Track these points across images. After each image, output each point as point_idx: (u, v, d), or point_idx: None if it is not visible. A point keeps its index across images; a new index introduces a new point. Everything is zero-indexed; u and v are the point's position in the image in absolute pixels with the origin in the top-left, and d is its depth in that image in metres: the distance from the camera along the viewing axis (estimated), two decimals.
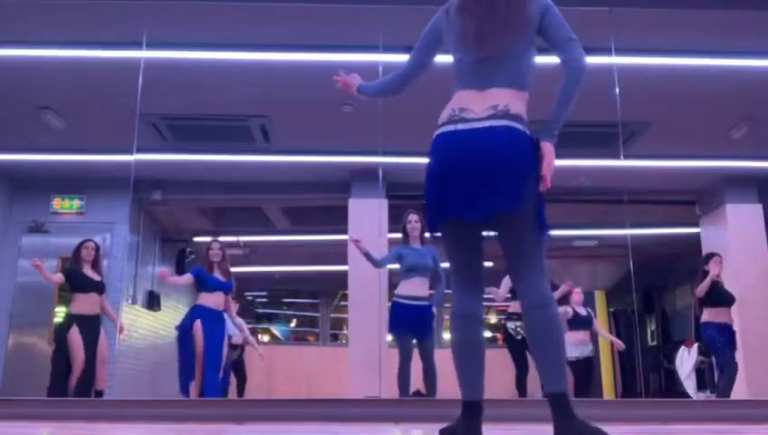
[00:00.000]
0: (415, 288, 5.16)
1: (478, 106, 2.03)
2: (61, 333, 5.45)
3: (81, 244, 5.61)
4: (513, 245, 2.02)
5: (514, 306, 5.80)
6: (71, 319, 5.45)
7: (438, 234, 2.09)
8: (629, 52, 5.41)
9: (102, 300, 5.62)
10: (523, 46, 2.09)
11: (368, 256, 5.28)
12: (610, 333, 10.74)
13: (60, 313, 7.36)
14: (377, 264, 5.38)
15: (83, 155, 7.17)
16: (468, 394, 2.00)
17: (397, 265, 5.36)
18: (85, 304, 5.46)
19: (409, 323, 5.12)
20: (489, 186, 1.94)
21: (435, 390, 5.10)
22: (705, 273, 5.86)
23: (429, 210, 2.07)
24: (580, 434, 1.84)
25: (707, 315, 5.88)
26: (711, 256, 6.05)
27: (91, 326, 5.43)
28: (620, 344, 7.33)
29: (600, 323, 5.75)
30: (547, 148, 2.02)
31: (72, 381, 5.29)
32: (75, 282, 5.51)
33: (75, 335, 5.34)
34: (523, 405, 4.43)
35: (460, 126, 2.02)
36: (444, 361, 5.20)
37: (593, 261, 9.72)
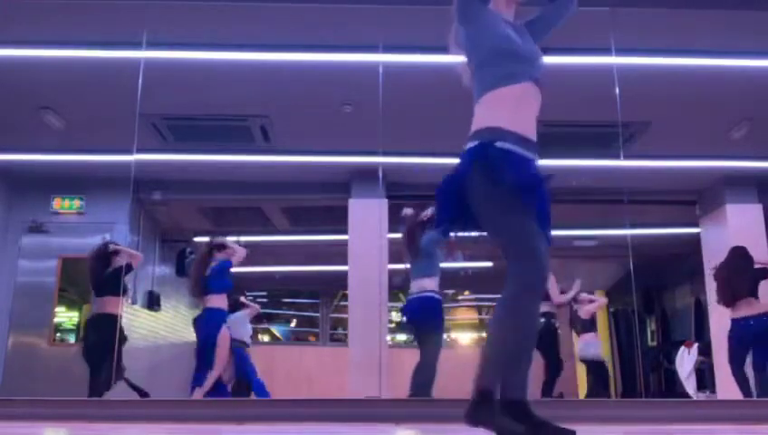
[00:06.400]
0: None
1: None
2: (108, 331, 5.65)
3: (118, 252, 5.91)
4: None
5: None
6: (114, 319, 5.72)
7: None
8: (629, 52, 5.40)
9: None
10: (472, 55, 2.17)
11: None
12: (610, 333, 10.74)
13: (60, 313, 7.38)
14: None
15: (83, 155, 7.16)
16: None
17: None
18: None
19: None
20: None
21: None
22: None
23: None
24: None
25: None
26: None
27: None
28: None
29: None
30: None
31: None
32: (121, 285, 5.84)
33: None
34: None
35: None
36: (443, 361, 5.21)
37: (593, 261, 9.71)
